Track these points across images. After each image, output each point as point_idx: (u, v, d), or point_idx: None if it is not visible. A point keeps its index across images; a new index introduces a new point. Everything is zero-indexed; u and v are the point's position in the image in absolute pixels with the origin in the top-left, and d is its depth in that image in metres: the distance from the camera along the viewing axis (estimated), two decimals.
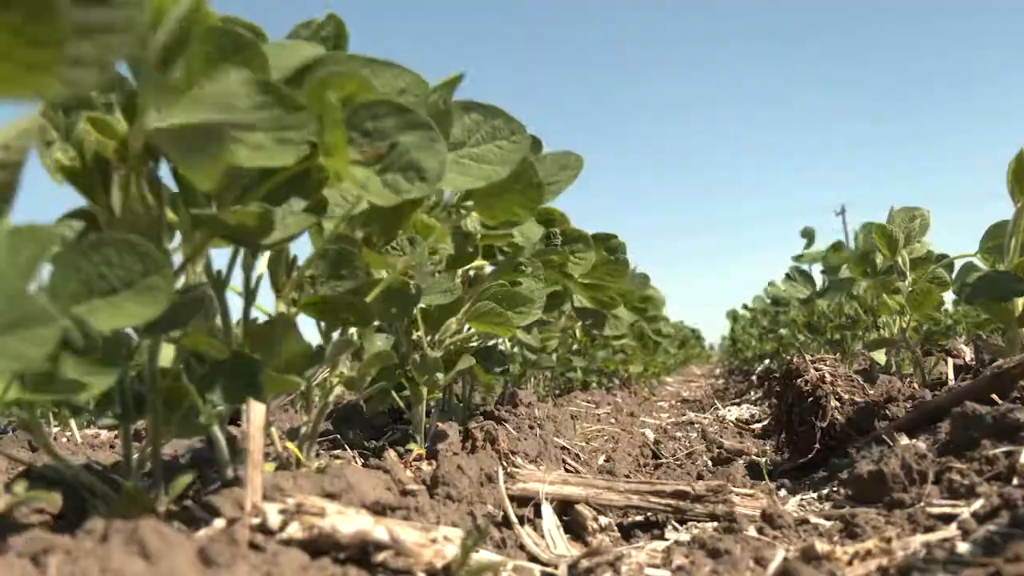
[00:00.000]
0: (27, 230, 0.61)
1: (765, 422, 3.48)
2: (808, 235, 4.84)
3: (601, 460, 2.20)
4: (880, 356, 3.49)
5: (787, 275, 4.88)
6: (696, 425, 3.65)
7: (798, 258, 4.82)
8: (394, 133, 0.89)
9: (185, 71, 0.75)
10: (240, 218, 0.86)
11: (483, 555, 1.08)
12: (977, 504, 1.19)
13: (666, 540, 1.38)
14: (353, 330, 1.33)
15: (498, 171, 1.14)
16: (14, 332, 0.56)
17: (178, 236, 0.95)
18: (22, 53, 0.47)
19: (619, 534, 1.44)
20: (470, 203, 1.38)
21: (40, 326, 0.57)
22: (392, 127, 0.89)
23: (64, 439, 2.75)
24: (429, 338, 1.75)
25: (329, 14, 1.03)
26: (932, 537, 1.12)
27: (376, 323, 1.49)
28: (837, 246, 4.48)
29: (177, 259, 0.94)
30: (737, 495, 1.48)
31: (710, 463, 2.47)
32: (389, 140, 0.89)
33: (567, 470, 1.95)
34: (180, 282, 0.92)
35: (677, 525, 1.47)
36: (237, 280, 1.07)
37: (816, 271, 4.68)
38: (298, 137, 0.77)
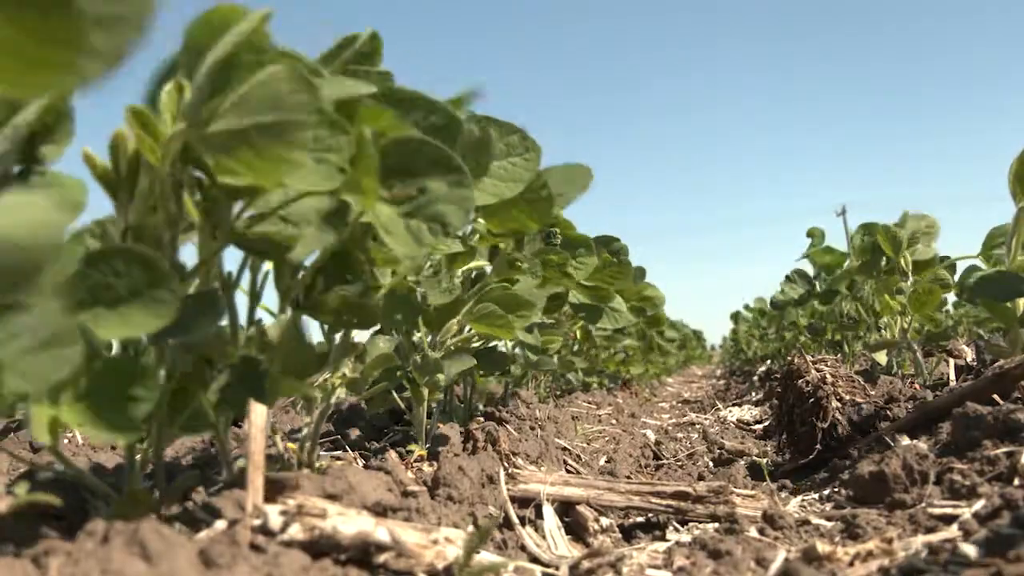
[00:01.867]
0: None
1: (766, 423, 3.48)
2: (815, 235, 4.79)
3: (602, 461, 2.20)
4: (881, 357, 3.49)
5: (787, 276, 4.87)
6: (697, 426, 3.65)
7: (803, 258, 4.80)
8: (425, 175, 0.88)
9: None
10: (263, 233, 0.86)
11: (484, 556, 1.08)
12: (978, 505, 1.19)
13: (667, 541, 1.38)
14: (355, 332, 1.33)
15: (511, 188, 1.14)
16: (42, 352, 0.56)
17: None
18: (39, 51, 0.46)
19: (620, 535, 1.44)
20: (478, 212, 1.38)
21: (65, 346, 0.56)
22: (423, 167, 0.88)
23: (66, 440, 2.75)
24: (430, 339, 1.75)
25: (372, 32, 1.02)
26: (933, 538, 1.12)
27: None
28: (828, 249, 4.48)
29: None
30: (738, 496, 1.48)
31: (711, 464, 2.47)
32: (419, 182, 0.88)
33: (568, 471, 1.95)
34: (193, 285, 0.92)
35: (678, 526, 1.47)
36: (243, 282, 1.07)
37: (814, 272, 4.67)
38: (338, 160, 0.77)
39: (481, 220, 1.41)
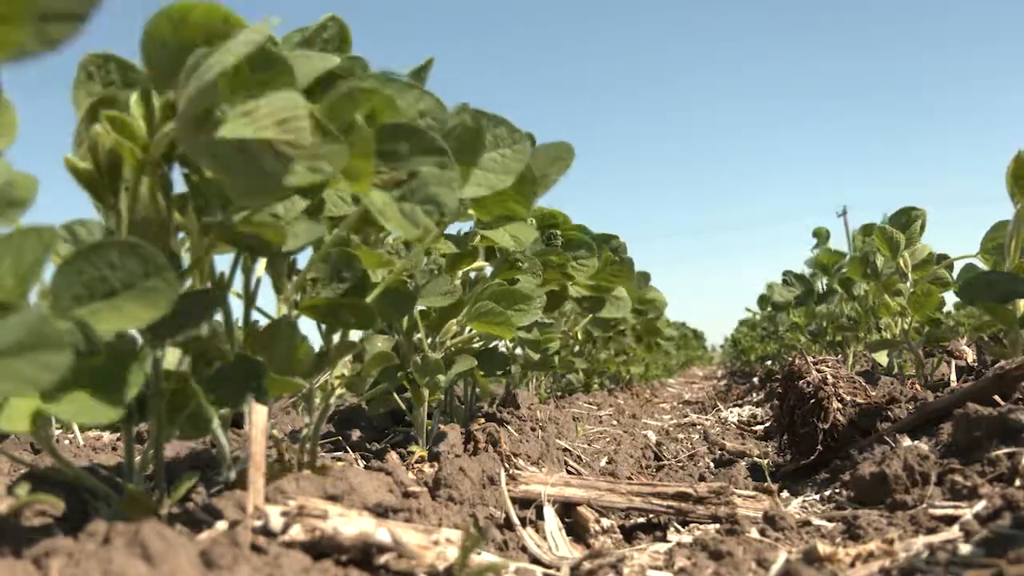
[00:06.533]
0: (31, 231, 0.60)
1: (767, 423, 3.48)
2: (820, 235, 4.75)
3: (603, 462, 2.20)
4: (882, 357, 3.49)
5: (783, 280, 4.86)
6: (698, 427, 3.65)
7: (809, 260, 4.78)
8: (413, 159, 0.89)
9: (219, 85, 0.75)
10: (253, 229, 0.86)
11: (485, 557, 1.08)
12: (979, 505, 1.19)
13: (668, 542, 1.38)
14: (354, 332, 1.33)
15: (503, 179, 1.14)
16: (24, 355, 0.55)
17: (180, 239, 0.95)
18: None
19: (621, 536, 1.44)
20: (466, 201, 1.38)
21: (52, 351, 0.55)
22: (409, 152, 0.89)
23: (66, 441, 2.75)
24: (430, 340, 1.75)
25: (330, 16, 1.01)
26: (934, 538, 1.12)
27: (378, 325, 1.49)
28: (828, 250, 4.47)
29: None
30: (739, 497, 1.48)
31: (712, 465, 2.47)
32: (408, 167, 0.88)
33: (569, 472, 1.95)
34: (186, 286, 0.92)
35: (679, 527, 1.47)
36: (236, 283, 1.07)
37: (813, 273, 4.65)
38: (328, 169, 0.77)
39: (471, 211, 1.41)
